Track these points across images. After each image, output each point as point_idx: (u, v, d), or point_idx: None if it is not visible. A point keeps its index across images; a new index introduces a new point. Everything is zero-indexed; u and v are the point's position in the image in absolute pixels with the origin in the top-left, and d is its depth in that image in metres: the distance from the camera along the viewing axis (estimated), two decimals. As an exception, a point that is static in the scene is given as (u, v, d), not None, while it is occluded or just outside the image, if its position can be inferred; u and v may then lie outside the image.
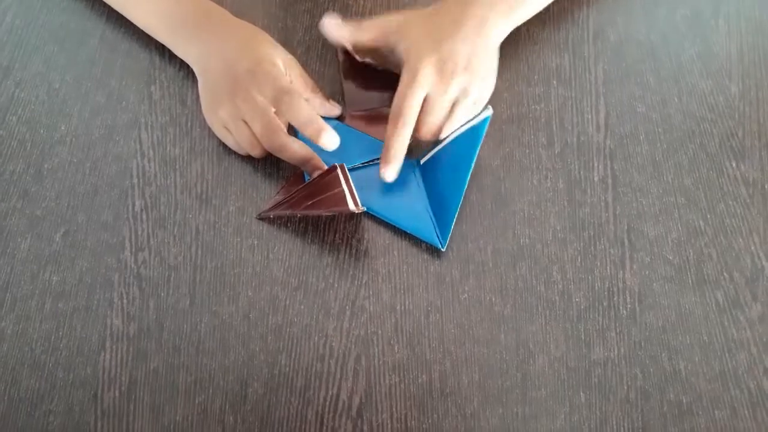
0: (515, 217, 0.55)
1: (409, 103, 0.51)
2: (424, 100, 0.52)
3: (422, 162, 0.55)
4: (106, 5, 0.61)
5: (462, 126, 0.52)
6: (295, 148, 0.52)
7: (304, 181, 0.54)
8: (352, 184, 0.50)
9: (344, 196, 0.49)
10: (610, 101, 0.59)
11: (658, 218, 0.55)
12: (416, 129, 0.52)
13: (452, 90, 0.51)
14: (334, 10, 0.63)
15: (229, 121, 0.53)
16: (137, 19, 0.59)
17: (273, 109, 0.52)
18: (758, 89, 0.60)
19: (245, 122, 0.53)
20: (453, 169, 0.53)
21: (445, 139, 0.53)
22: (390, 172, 0.52)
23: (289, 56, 0.56)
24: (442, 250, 0.53)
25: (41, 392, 0.49)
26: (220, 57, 0.54)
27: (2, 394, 0.48)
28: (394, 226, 0.54)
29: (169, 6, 0.57)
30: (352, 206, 0.49)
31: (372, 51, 0.56)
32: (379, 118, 0.56)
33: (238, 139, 0.54)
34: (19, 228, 0.53)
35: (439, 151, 0.54)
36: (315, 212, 0.52)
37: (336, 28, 0.56)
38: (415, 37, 0.53)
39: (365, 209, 0.52)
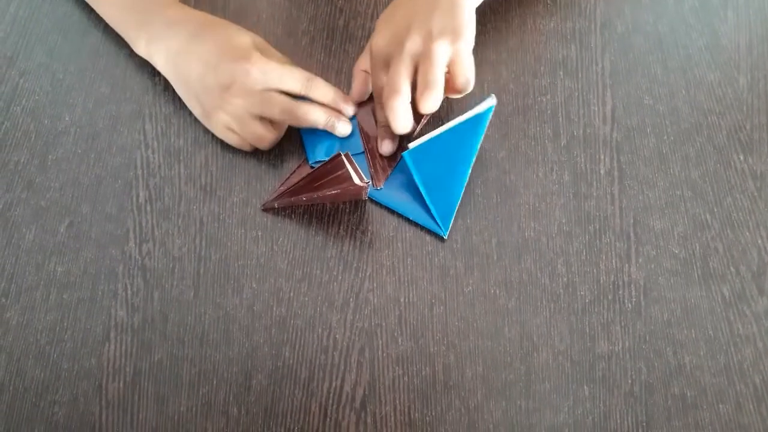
0: (520, 209, 0.54)
1: (376, 72, 0.52)
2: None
3: (411, 146, 0.53)
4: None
5: (464, 114, 0.51)
6: (317, 112, 0.53)
7: (309, 170, 0.54)
8: (357, 166, 0.50)
9: (349, 175, 0.49)
10: (616, 93, 0.59)
11: (665, 211, 0.54)
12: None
13: (407, 45, 0.49)
14: None
15: (234, 121, 0.53)
16: (101, 10, 0.58)
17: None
18: (767, 81, 0.59)
19: (253, 116, 0.52)
20: (454, 157, 0.52)
21: (440, 126, 0.52)
22: (386, 149, 0.54)
23: (259, 38, 0.55)
24: (445, 237, 0.53)
25: (46, 383, 0.49)
26: (196, 61, 0.52)
27: (7, 384, 0.49)
28: (398, 218, 0.54)
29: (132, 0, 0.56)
30: (357, 180, 0.49)
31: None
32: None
33: (247, 136, 0.53)
34: (23, 218, 0.53)
35: (436, 137, 0.53)
36: (320, 194, 0.51)
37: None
38: (381, 24, 0.54)
39: (369, 187, 0.52)
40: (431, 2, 0.51)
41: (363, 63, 0.56)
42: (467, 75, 0.51)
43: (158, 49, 0.55)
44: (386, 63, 0.52)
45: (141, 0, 0.56)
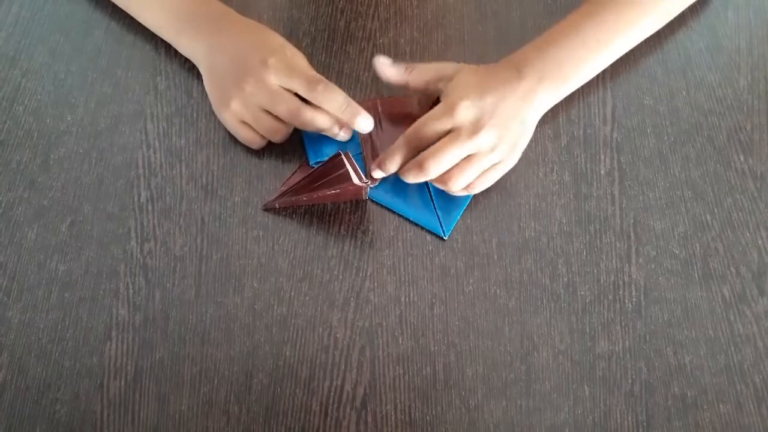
0: (521, 209, 0.55)
1: (433, 128, 0.50)
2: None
3: None
4: (111, -4, 0.61)
5: None
6: (322, 119, 0.53)
7: (309, 169, 0.54)
8: (357, 166, 0.51)
9: (349, 174, 0.49)
10: (617, 93, 0.59)
11: (665, 212, 0.54)
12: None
13: (480, 139, 0.50)
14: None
15: (246, 112, 0.53)
16: (142, 17, 0.59)
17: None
18: (767, 82, 0.59)
19: (263, 109, 0.53)
20: None
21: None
22: (377, 174, 0.52)
23: (298, 51, 0.56)
24: (445, 238, 0.53)
25: (48, 381, 0.49)
26: (227, 51, 0.54)
27: (9, 382, 0.49)
28: (399, 218, 0.54)
29: (175, 4, 0.57)
30: (356, 180, 0.50)
31: (422, 92, 0.56)
32: (390, 106, 0.57)
33: (259, 128, 0.54)
34: (25, 217, 0.54)
35: None
36: (320, 194, 0.52)
37: (387, 69, 0.54)
38: (464, 81, 0.52)
39: (370, 187, 0.52)
40: (516, 103, 0.52)
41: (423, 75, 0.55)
42: (477, 187, 0.53)
43: (201, 44, 0.56)
44: (433, 87, 0.54)
45: (184, 3, 0.57)
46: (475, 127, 0.50)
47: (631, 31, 0.57)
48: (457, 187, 0.51)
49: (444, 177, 0.51)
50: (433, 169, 0.50)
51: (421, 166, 0.50)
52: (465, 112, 0.50)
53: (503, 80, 0.52)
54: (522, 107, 0.52)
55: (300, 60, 0.55)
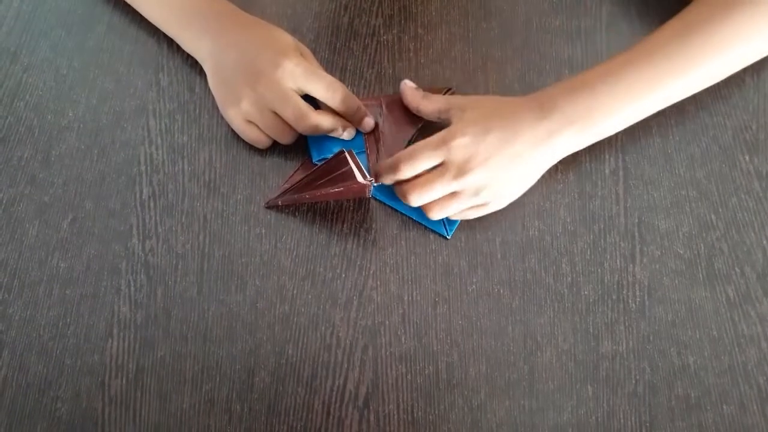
0: (525, 208, 0.54)
1: (425, 159, 0.49)
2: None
3: None
4: (114, -9, 0.61)
5: None
6: (327, 124, 0.53)
7: (312, 167, 0.54)
8: (360, 164, 0.50)
9: (353, 172, 0.49)
10: (622, 92, 0.58)
11: (669, 211, 0.54)
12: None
13: (466, 181, 0.49)
14: (343, -3, 0.62)
15: (254, 113, 0.53)
16: (147, 11, 0.59)
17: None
18: (773, 81, 0.59)
19: (272, 111, 0.52)
20: None
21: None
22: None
23: (307, 49, 0.56)
24: (448, 238, 0.53)
25: (49, 379, 0.49)
26: (236, 50, 0.54)
27: (10, 380, 0.49)
28: (402, 216, 0.54)
29: (179, 1, 0.57)
30: (360, 178, 0.49)
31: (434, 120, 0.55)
32: (393, 103, 0.57)
33: (266, 128, 0.53)
34: (27, 214, 0.53)
35: None
36: (323, 192, 0.51)
37: (407, 90, 0.55)
38: (472, 115, 0.51)
39: (373, 186, 0.52)
40: (525, 146, 0.50)
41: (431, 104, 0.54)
42: (457, 218, 0.53)
43: (206, 41, 0.55)
44: (445, 116, 0.53)
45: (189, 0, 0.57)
46: (463, 169, 0.49)
47: (672, 88, 0.53)
48: (435, 217, 0.51)
49: (425, 207, 0.51)
50: (414, 201, 0.50)
51: (404, 196, 0.50)
52: (456, 151, 0.49)
53: (518, 119, 0.50)
54: (534, 150, 0.50)
55: (311, 59, 0.56)
